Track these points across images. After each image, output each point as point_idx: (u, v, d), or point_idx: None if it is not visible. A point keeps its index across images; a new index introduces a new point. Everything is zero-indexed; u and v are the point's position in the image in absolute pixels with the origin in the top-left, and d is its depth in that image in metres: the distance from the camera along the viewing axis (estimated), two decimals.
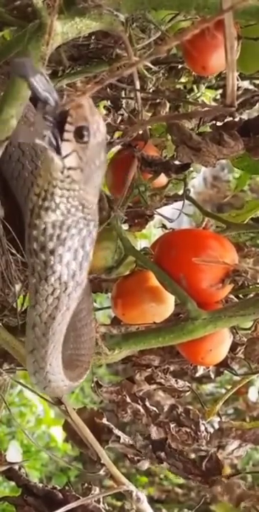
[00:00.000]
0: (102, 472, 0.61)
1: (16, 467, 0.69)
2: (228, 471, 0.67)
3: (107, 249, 0.69)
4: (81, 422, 0.60)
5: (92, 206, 0.45)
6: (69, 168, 0.43)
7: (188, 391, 0.74)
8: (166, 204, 0.75)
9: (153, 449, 0.65)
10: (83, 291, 0.49)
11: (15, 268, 0.62)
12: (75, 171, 0.43)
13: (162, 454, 0.65)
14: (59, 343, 0.51)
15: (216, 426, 0.72)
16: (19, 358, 0.59)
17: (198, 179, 3.03)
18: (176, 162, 0.72)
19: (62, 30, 0.52)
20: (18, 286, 0.63)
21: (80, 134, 0.42)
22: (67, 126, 0.42)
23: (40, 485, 0.68)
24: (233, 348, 0.70)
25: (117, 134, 0.80)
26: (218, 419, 0.73)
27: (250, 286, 0.68)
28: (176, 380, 0.73)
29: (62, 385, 0.54)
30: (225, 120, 0.68)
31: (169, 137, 0.73)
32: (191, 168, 0.75)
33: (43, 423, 2.16)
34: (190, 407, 0.72)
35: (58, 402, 0.60)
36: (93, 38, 0.73)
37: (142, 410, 0.70)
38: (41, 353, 0.50)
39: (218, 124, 0.68)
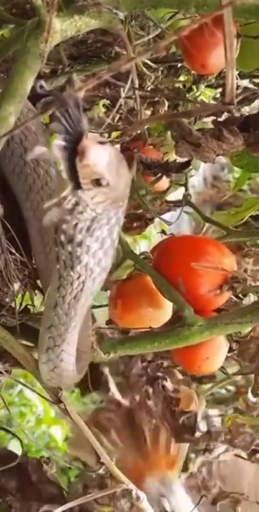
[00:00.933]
0: (101, 471, 0.60)
1: None
2: None
3: None
4: (81, 421, 0.60)
5: (122, 196, 0.46)
6: (98, 203, 0.44)
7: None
8: (167, 210, 0.75)
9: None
10: None
11: (14, 267, 0.62)
12: (104, 202, 0.44)
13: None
14: (79, 323, 0.51)
15: (217, 425, 0.72)
16: (18, 357, 0.59)
17: (198, 179, 3.02)
18: (176, 161, 0.71)
19: (61, 27, 0.52)
20: (16, 285, 0.63)
21: (97, 183, 0.43)
22: (82, 182, 0.42)
23: None
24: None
25: (115, 134, 0.80)
26: (218, 419, 0.73)
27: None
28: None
29: (71, 370, 0.54)
30: (225, 116, 0.68)
31: (168, 136, 0.73)
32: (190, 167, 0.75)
33: (43, 423, 2.16)
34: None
35: (58, 401, 0.60)
36: (92, 35, 0.73)
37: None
38: (60, 330, 0.51)
39: (218, 119, 0.68)
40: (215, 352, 0.66)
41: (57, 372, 0.54)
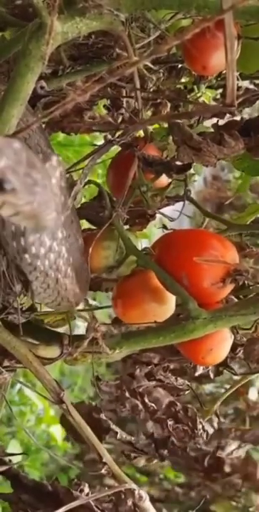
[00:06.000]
0: (103, 471, 0.60)
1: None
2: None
3: (108, 249, 0.69)
4: (82, 421, 0.60)
5: (42, 214, 0.40)
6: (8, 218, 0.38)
7: (187, 390, 0.74)
8: (167, 205, 0.75)
9: (156, 447, 0.65)
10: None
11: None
12: (16, 216, 0.38)
13: (165, 452, 0.65)
14: None
15: (217, 426, 0.72)
16: (19, 358, 0.59)
17: (198, 179, 3.03)
18: (178, 162, 0.72)
19: (63, 29, 0.52)
20: (19, 286, 0.63)
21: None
22: None
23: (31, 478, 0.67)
24: (233, 348, 0.70)
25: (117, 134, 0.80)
26: (219, 419, 0.73)
27: (251, 287, 0.69)
28: (175, 378, 0.73)
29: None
30: (226, 120, 0.68)
31: (170, 141, 0.73)
32: (192, 171, 0.75)
33: (43, 422, 2.17)
34: (189, 406, 0.72)
35: (59, 401, 0.60)
36: (93, 37, 0.73)
37: (141, 406, 0.70)
38: None
39: (219, 123, 0.68)
40: (220, 343, 0.66)
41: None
